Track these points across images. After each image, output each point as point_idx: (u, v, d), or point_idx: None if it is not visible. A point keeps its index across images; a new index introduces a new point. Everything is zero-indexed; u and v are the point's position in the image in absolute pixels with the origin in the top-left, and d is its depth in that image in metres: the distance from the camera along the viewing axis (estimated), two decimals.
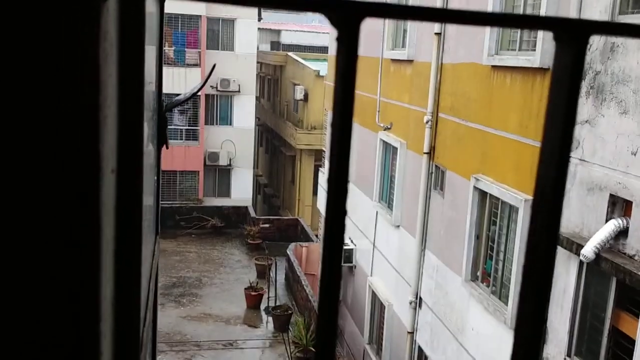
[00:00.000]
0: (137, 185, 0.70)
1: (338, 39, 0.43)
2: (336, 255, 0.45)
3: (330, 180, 0.44)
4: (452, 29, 10.13)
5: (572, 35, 0.46)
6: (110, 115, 0.55)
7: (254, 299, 18.11)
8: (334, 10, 0.43)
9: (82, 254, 0.46)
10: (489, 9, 8.74)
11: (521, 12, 8.27)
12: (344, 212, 0.46)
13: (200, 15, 25.78)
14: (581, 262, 6.56)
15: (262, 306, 18.16)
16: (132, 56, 0.64)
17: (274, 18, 45.15)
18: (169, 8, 26.42)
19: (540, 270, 0.47)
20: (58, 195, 0.44)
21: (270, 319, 17.27)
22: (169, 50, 25.83)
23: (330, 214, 0.44)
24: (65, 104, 0.43)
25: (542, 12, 7.52)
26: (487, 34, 8.76)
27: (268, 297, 18.08)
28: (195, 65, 25.93)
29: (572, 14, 6.91)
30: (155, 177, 1.77)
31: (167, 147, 1.81)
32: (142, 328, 1.03)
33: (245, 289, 18.34)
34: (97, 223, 0.46)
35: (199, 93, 25.77)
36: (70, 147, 0.45)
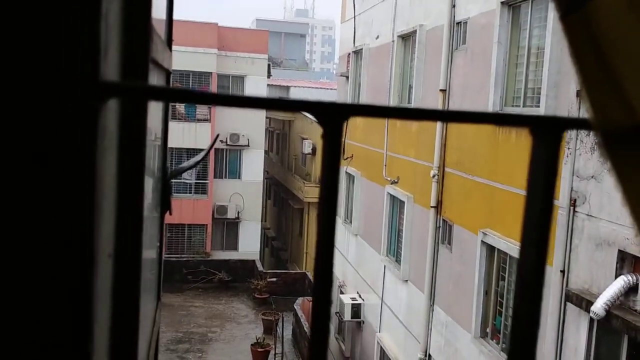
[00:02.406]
0: (134, 268, 0.73)
1: (323, 136, 0.47)
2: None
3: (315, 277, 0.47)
4: (457, 85, 10.30)
5: (547, 131, 0.50)
6: (107, 205, 0.58)
7: (260, 356, 17.77)
8: (320, 112, 0.47)
9: (72, 347, 0.48)
10: (491, 90, 8.90)
11: (522, 87, 8.42)
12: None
13: (211, 72, 26.34)
14: (591, 320, 6.46)
15: None
16: (132, 149, 0.68)
17: (284, 75, 46.06)
18: (180, 65, 26.93)
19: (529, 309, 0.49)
20: (49, 286, 0.46)
21: None
22: (180, 106, 26.27)
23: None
24: (59, 201, 0.46)
25: (544, 88, 7.65)
26: (492, 89, 8.91)
27: (275, 354, 17.75)
28: (206, 120, 26.33)
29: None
30: (158, 244, 1.79)
31: (170, 214, 1.84)
32: None
33: (251, 345, 18.03)
34: (88, 315, 0.48)
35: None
36: (64, 240, 0.47)
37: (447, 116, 0.48)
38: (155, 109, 1.34)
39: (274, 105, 0.47)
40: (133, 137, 0.68)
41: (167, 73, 1.51)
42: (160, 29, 1.39)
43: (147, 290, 1.22)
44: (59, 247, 0.47)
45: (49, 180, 0.46)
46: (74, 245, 0.47)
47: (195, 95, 0.47)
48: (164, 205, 1.70)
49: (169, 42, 1.65)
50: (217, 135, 6.09)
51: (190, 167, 3.12)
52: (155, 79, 1.18)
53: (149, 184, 1.24)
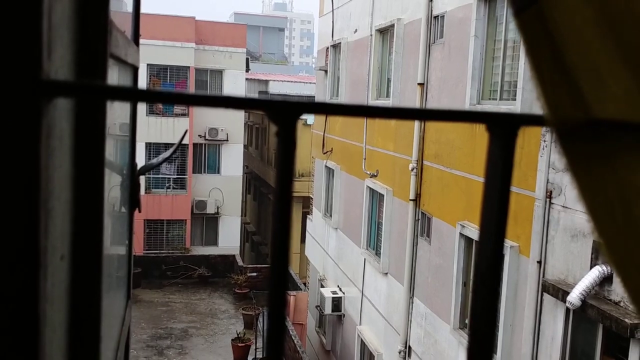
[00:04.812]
0: (94, 268, 0.71)
1: (277, 134, 0.47)
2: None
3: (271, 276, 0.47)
4: (435, 79, 10.35)
5: (503, 128, 0.49)
6: (59, 205, 0.56)
7: (241, 351, 17.76)
8: (273, 110, 0.46)
9: (20, 346, 0.47)
10: (468, 84, 8.96)
11: (499, 81, 8.48)
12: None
13: (189, 67, 26.14)
14: (568, 310, 6.55)
15: (250, 358, 17.80)
16: (89, 148, 0.66)
17: (263, 69, 45.88)
18: (157, 59, 26.69)
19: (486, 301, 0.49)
20: None
21: None
22: None
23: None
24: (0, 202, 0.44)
25: (520, 82, 7.71)
26: (469, 82, 8.96)
27: (256, 348, 17.75)
28: (183, 115, 26.14)
29: None
30: (127, 242, 1.77)
31: (139, 211, 1.82)
32: None
33: (232, 340, 18.00)
34: (35, 313, 0.47)
35: (187, 142, 25.90)
36: (7, 244, 0.45)
37: (403, 113, 0.48)
38: (122, 105, 1.32)
39: (225, 103, 0.46)
40: (88, 135, 0.67)
41: (134, 69, 1.49)
42: (125, 24, 1.37)
43: (114, 288, 1.20)
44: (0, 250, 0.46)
45: None
46: (16, 246, 0.46)
47: (144, 93, 0.46)
48: (133, 202, 1.67)
49: (136, 36, 1.62)
50: (186, 131, 6.10)
51: (159, 164, 3.10)
52: (117, 75, 1.16)
53: (114, 181, 1.22)
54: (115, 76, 1.10)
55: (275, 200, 0.47)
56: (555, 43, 0.44)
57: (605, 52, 0.42)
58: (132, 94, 0.46)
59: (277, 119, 0.45)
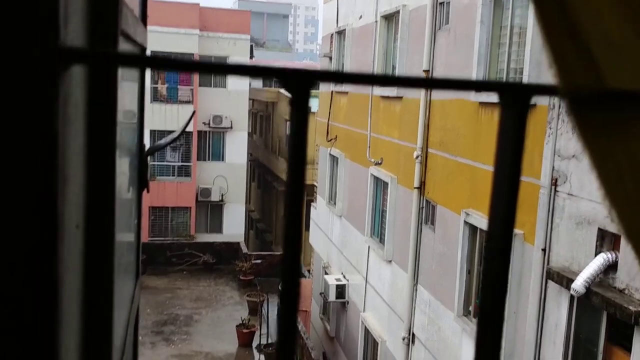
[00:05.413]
0: (107, 239, 0.72)
1: (291, 103, 0.47)
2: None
3: (285, 240, 0.47)
4: (440, 65, 10.30)
5: (515, 97, 0.49)
6: (75, 174, 0.57)
7: (245, 337, 17.87)
8: (287, 78, 0.46)
9: (38, 309, 0.48)
10: (474, 70, 8.91)
11: (505, 67, 8.43)
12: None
13: (193, 54, 26.07)
14: (572, 297, 6.56)
15: (254, 344, 17.91)
16: (102, 117, 0.67)
17: (267, 56, 45.73)
18: (162, 46, 26.59)
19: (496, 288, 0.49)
20: (12, 254, 0.46)
21: (263, 356, 17.01)
22: (161, 88, 26.03)
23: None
24: (19, 170, 0.45)
25: (526, 68, 7.66)
26: (475, 68, 8.92)
27: (260, 335, 17.85)
28: (188, 102, 26.11)
29: None
30: (136, 221, 1.78)
31: (147, 191, 1.82)
32: None
33: (237, 326, 18.11)
34: (54, 278, 0.48)
35: (191, 130, 25.90)
36: (26, 210, 0.46)
37: (416, 83, 0.48)
38: (130, 86, 1.32)
39: (238, 71, 0.46)
40: (101, 105, 0.67)
41: (142, 49, 1.49)
42: (134, 5, 1.37)
43: (124, 266, 1.21)
44: (20, 212, 0.47)
45: (6, 144, 0.45)
46: (36, 209, 0.47)
47: (154, 60, 0.46)
48: (141, 182, 1.68)
49: (144, 18, 1.62)
50: (194, 112, 6.09)
51: (167, 144, 3.10)
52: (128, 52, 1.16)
53: (124, 160, 1.23)
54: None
55: (289, 169, 0.48)
56: (567, 11, 0.44)
57: (618, 19, 0.42)
58: (143, 61, 0.46)
59: (292, 87, 0.45)
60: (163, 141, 3.15)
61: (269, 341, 17.53)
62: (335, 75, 0.46)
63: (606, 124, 0.45)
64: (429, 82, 0.49)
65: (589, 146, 0.46)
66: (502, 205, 0.48)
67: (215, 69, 0.46)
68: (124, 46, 0.96)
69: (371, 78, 0.48)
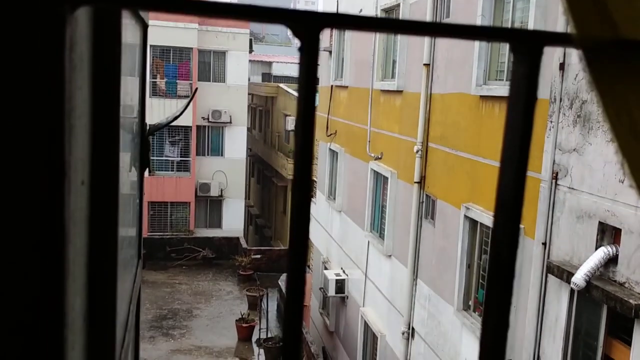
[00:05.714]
0: (111, 197, 0.71)
1: (300, 48, 0.45)
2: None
3: (294, 185, 0.45)
4: (441, 59, 10.27)
5: (528, 46, 0.48)
6: (80, 126, 0.55)
7: (245, 331, 17.89)
8: (295, 21, 0.44)
9: (45, 263, 0.47)
10: (474, 64, 8.88)
11: (505, 61, 8.41)
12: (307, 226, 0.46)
13: (192, 48, 26.02)
14: (572, 290, 6.55)
15: (254, 338, 17.93)
16: (107, 71, 0.65)
17: (266, 50, 45.64)
18: (160, 40, 26.55)
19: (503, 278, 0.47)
20: (20, 201, 0.45)
21: (262, 351, 17.03)
22: (160, 82, 25.99)
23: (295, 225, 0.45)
24: (26, 113, 0.44)
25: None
26: (475, 63, 8.89)
27: (260, 329, 17.87)
28: (187, 96, 26.06)
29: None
30: (138, 201, 1.76)
31: (150, 172, 1.81)
32: (121, 349, 1.02)
33: (236, 320, 18.13)
34: (61, 231, 0.47)
35: (190, 125, 25.86)
36: (33, 154, 0.45)
37: (426, 28, 0.46)
38: (131, 79, 1.30)
39: (243, 14, 0.44)
40: (106, 51, 0.65)
41: (144, 26, 1.47)
42: None
43: (126, 241, 1.19)
44: (26, 158, 0.45)
45: (14, 87, 0.44)
46: (43, 155, 0.45)
47: (159, 1, 0.44)
48: (143, 161, 1.66)
49: None
50: (196, 89, 6.07)
51: (169, 123, 3.09)
52: (131, 29, 1.14)
53: (126, 137, 1.21)
54: (128, 29, 1.08)
55: (297, 120, 0.45)
56: None
57: None
58: (148, 3, 0.44)
59: (301, 31, 0.43)
60: (164, 120, 3.13)
61: (269, 335, 17.55)
62: (348, 19, 0.44)
63: (620, 73, 0.44)
64: (442, 28, 0.47)
65: (602, 95, 0.45)
66: (514, 150, 0.47)
67: (221, 11, 0.44)
68: (128, 25, 0.94)
69: (381, 22, 0.46)
